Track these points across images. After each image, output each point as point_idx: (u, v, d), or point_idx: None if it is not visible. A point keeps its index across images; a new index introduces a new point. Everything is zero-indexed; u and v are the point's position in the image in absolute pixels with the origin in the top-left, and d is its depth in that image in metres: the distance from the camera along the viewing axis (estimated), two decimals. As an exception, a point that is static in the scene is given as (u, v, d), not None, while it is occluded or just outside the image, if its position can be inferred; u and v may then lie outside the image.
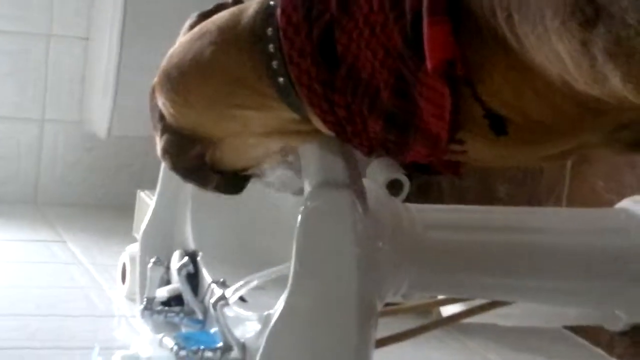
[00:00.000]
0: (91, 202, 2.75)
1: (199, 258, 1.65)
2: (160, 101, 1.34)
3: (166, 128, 1.34)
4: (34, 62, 2.71)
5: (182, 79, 1.29)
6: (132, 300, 1.89)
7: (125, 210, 2.54)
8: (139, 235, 2.28)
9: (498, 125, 1.07)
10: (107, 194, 2.78)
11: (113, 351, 1.55)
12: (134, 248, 1.96)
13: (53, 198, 2.73)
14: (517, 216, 1.61)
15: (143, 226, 1.75)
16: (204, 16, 1.40)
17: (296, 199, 1.44)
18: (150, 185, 2.53)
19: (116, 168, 2.79)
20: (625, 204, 1.70)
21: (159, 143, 1.37)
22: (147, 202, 2.35)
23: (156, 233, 1.73)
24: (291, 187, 1.43)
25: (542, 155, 1.17)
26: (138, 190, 2.41)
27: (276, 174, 1.41)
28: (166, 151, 1.34)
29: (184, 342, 1.47)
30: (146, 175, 2.76)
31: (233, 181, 1.37)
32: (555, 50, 0.91)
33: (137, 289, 1.78)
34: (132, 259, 1.94)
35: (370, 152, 1.22)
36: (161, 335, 1.49)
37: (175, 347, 1.43)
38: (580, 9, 0.86)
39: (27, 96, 2.71)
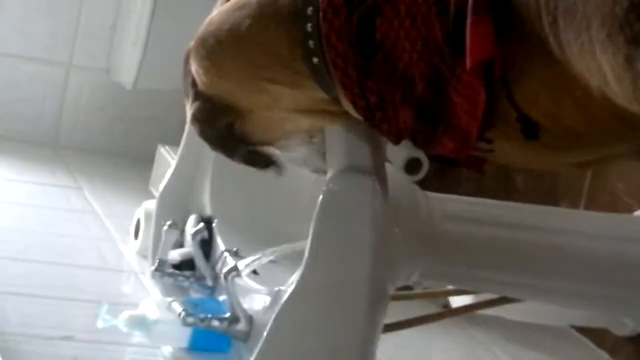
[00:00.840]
0: (111, 150, 2.75)
1: (214, 225, 1.65)
2: (194, 68, 1.33)
3: (198, 95, 1.34)
4: (68, 4, 2.70)
5: (218, 48, 1.29)
6: (144, 256, 1.89)
7: (144, 162, 2.53)
8: (156, 192, 2.29)
9: (530, 130, 1.06)
10: (128, 144, 2.77)
11: (120, 308, 1.56)
12: (150, 204, 1.96)
13: (73, 143, 2.73)
14: (536, 215, 1.60)
15: (161, 186, 1.75)
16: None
17: (314, 180, 1.44)
18: (172, 141, 2.54)
19: (139, 119, 2.78)
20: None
21: (189, 109, 1.36)
22: (167, 157, 2.35)
23: (174, 195, 1.73)
24: (311, 165, 1.43)
25: (568, 162, 1.17)
26: (159, 145, 2.40)
27: (300, 151, 1.41)
28: (196, 118, 1.34)
29: (192, 308, 1.47)
30: (168, 129, 2.76)
31: (260, 155, 1.37)
32: (597, 62, 0.90)
33: (149, 246, 1.78)
34: (147, 216, 1.93)
35: (397, 140, 1.22)
36: (170, 299, 1.49)
37: (183, 313, 1.43)
38: (629, 24, 0.84)
39: (57, 39, 2.70)
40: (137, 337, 1.52)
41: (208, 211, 1.69)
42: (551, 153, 1.12)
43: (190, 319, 1.43)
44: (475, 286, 1.58)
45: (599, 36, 0.87)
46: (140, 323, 1.47)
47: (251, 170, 1.42)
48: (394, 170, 1.45)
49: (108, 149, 2.75)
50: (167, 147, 2.37)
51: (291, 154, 1.42)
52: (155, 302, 1.50)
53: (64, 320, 1.58)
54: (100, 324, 1.48)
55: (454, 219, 1.51)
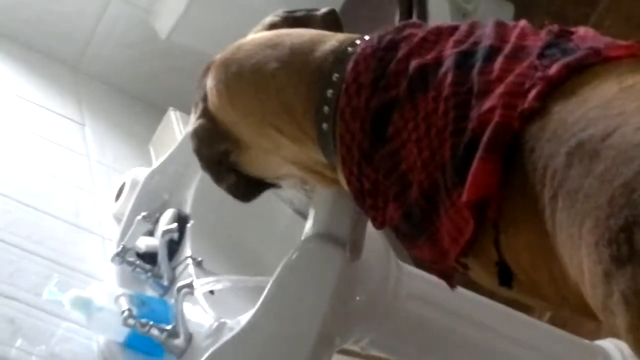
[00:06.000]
0: (126, 90, 2.74)
1: (188, 225, 1.64)
2: (209, 85, 1.32)
3: (205, 112, 1.33)
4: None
5: (237, 79, 1.28)
6: (118, 221, 1.88)
7: (154, 113, 2.52)
8: (154, 151, 2.28)
9: (505, 277, 1.04)
10: (145, 90, 2.75)
11: (71, 282, 1.56)
12: (139, 172, 1.95)
13: (93, 71, 2.72)
14: (498, 317, 1.60)
15: (148, 173, 1.73)
16: (289, 19, 1.37)
17: (295, 217, 1.44)
18: (186, 103, 2.52)
19: (163, 69, 2.76)
20: (606, 344, 1.68)
21: (193, 122, 1.35)
22: (174, 123, 2.33)
23: (157, 185, 1.72)
24: (296, 206, 1.43)
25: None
26: (170, 108, 2.39)
27: (290, 192, 1.41)
28: (196, 135, 1.33)
29: (139, 305, 1.47)
30: (188, 88, 2.74)
31: (247, 188, 1.36)
32: (579, 259, 0.87)
33: (126, 213, 1.78)
34: (133, 183, 1.92)
35: (379, 227, 1.21)
36: (120, 292, 1.48)
37: (127, 312, 1.43)
38: (617, 243, 0.81)
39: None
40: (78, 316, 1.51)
41: (187, 209, 1.68)
42: (519, 295, 1.11)
43: (131, 321, 1.42)
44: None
45: (587, 238, 0.84)
46: (84, 306, 1.46)
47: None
48: (378, 237, 1.44)
49: (124, 88, 2.73)
50: (177, 113, 2.36)
51: (279, 191, 1.42)
52: (105, 290, 1.50)
53: (14, 273, 1.56)
54: (45, 295, 1.48)
55: (418, 298, 1.51)
